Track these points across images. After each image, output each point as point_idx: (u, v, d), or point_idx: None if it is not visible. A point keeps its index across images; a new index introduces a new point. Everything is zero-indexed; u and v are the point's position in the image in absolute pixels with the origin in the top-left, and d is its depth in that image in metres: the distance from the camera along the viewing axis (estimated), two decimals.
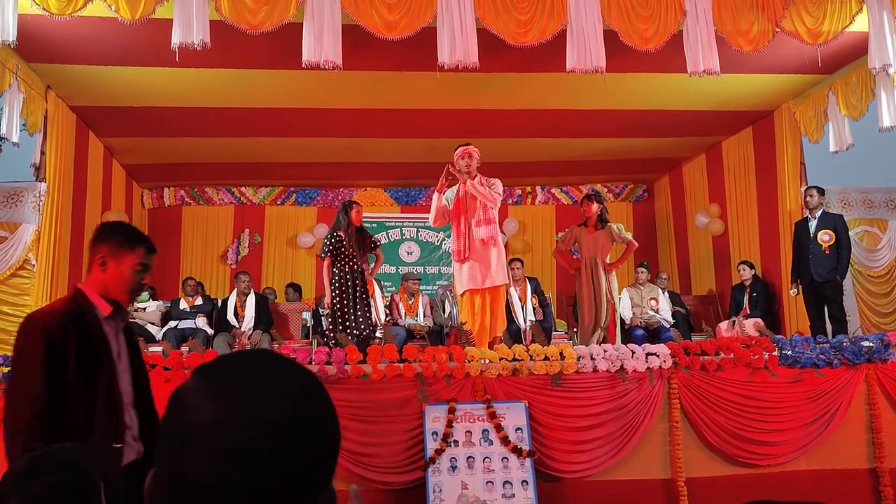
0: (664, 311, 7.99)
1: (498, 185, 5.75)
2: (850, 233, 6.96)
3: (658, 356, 4.83)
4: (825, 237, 6.67)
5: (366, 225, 6.70)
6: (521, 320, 7.46)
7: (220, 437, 0.79)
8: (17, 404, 2.06)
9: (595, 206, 6.52)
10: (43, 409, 2.03)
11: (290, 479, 0.80)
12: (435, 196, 5.78)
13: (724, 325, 8.10)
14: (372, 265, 6.60)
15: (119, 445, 2.19)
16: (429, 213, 5.93)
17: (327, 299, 6.10)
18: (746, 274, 8.18)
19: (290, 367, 0.88)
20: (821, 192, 6.91)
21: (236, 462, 0.79)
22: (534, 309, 7.76)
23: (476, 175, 5.69)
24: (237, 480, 0.79)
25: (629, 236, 6.50)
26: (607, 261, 6.47)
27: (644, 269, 8.24)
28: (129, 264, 2.27)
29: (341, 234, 6.15)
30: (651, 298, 8.05)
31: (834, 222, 6.76)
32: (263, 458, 0.79)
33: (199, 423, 0.80)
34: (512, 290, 7.49)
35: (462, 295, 5.68)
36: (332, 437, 0.87)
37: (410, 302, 8.00)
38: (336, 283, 6.07)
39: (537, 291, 7.97)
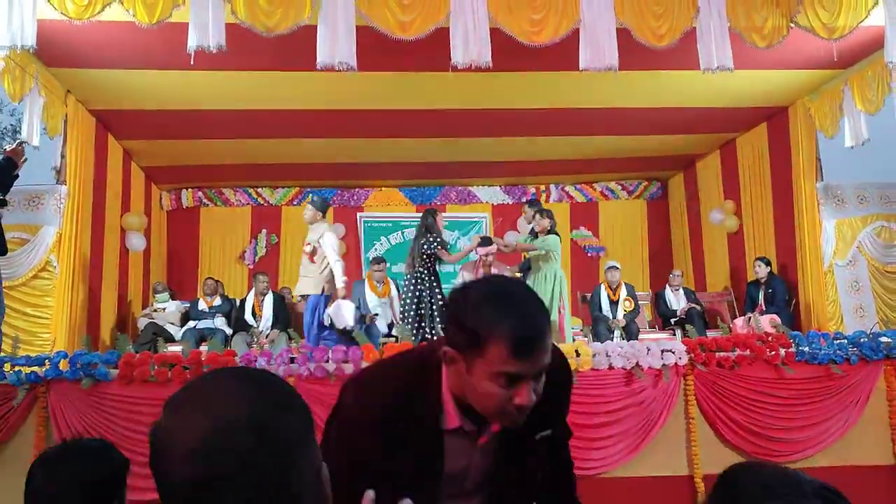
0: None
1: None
2: (867, 228, 6.95)
3: (673, 353, 4.82)
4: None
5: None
6: None
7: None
8: None
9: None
10: None
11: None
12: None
13: (739, 321, 8.07)
14: None
15: None
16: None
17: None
18: (762, 271, 8.13)
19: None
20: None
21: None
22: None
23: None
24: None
25: (522, 243, 7.25)
26: (558, 263, 6.87)
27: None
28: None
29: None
30: None
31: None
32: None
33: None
34: None
35: None
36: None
37: None
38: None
39: None
